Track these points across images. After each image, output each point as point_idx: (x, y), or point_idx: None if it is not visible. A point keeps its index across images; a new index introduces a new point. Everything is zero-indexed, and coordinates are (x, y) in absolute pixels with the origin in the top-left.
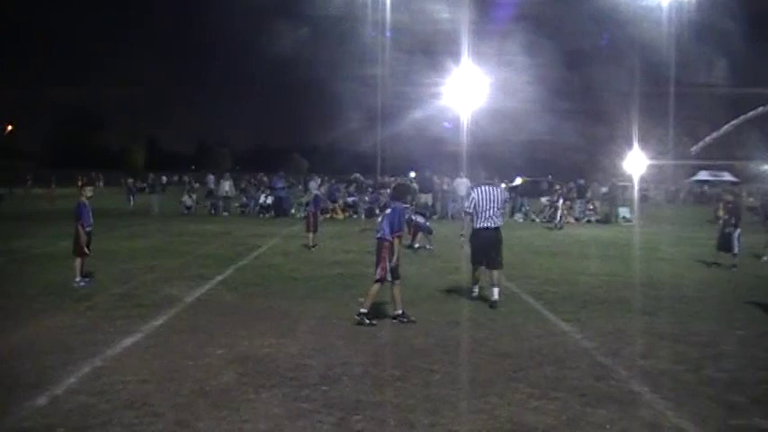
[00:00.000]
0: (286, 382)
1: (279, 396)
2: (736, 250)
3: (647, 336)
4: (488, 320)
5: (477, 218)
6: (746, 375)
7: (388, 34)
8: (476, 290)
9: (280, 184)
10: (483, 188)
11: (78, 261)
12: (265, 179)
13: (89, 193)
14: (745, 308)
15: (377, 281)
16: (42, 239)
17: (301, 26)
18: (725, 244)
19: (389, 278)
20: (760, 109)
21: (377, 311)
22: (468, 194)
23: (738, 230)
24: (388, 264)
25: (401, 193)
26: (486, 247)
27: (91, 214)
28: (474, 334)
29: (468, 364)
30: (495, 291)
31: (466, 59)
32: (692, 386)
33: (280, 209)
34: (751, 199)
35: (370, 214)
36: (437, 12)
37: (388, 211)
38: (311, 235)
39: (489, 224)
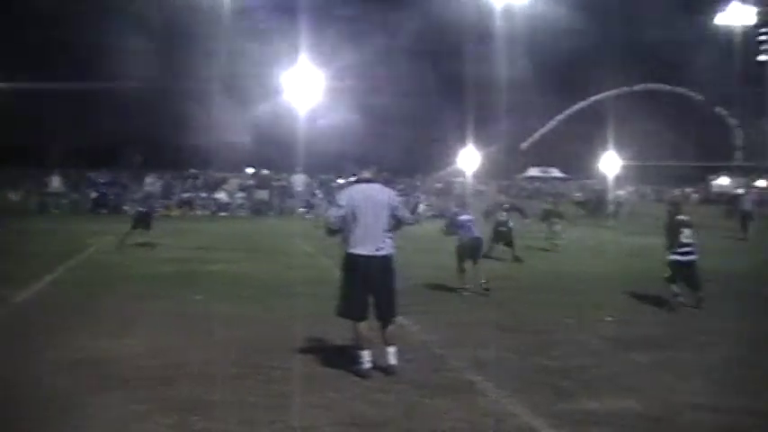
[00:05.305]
0: (121, 385)
1: (114, 399)
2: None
3: (482, 327)
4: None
5: None
6: (574, 362)
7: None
8: None
9: (103, 180)
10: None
11: None
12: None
13: None
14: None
15: None
16: None
17: None
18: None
19: None
20: (581, 103)
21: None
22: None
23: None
24: None
25: None
26: None
27: None
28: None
29: (305, 360)
30: None
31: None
32: (525, 374)
33: (105, 205)
34: (578, 194)
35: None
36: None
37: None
38: (148, 232)
39: None
